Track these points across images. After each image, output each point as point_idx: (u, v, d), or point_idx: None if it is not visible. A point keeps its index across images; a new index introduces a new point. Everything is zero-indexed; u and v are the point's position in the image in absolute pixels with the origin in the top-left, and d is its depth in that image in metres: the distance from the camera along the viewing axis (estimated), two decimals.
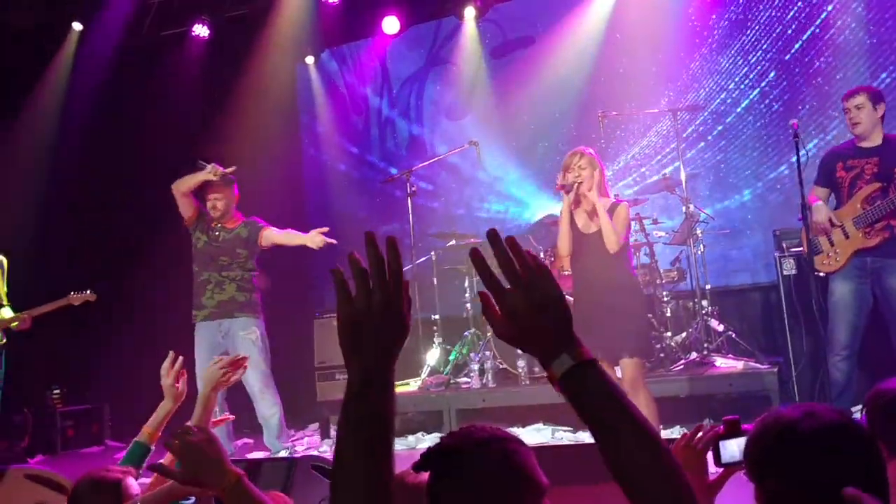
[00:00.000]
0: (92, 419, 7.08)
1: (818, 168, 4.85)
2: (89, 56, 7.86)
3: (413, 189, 6.67)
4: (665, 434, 4.89)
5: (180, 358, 2.74)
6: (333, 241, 5.19)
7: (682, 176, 6.14)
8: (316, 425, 6.55)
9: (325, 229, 5.25)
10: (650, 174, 6.99)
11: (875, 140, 4.58)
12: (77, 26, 7.93)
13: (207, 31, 8.10)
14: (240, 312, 5.35)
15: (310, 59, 8.69)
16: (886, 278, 4.50)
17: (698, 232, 6.16)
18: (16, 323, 5.57)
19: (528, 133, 7.79)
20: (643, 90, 7.24)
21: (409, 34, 8.19)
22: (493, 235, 1.20)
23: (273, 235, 5.45)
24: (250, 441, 6.30)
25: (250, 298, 5.42)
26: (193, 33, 8.08)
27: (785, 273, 5.49)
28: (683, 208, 6.13)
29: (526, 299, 1.19)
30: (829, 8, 6.75)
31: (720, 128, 7.16)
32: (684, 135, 6.61)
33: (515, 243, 1.21)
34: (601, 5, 7.51)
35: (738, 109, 7.12)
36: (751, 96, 7.08)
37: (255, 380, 5.19)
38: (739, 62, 7.10)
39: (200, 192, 5.48)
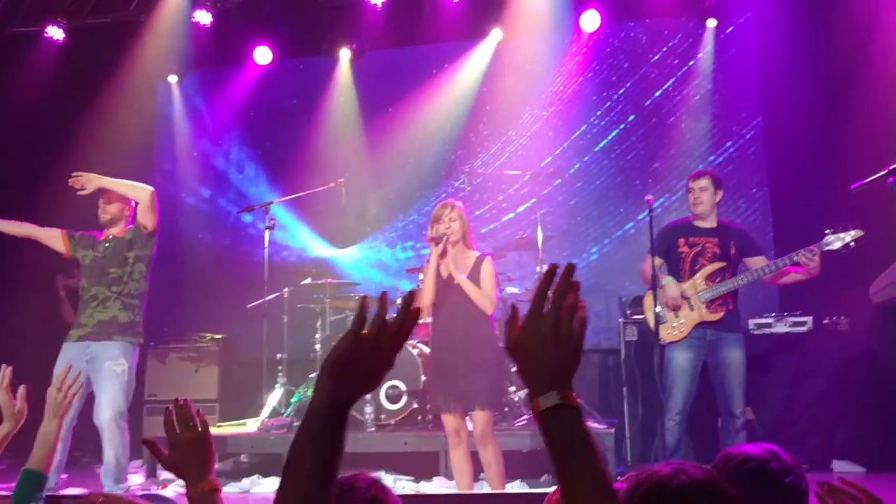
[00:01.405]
0: None
1: (657, 239, 5.20)
2: None
3: (272, 222, 6.51)
4: (508, 487, 4.96)
5: (8, 369, 2.49)
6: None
7: (539, 236, 6.37)
8: (140, 462, 6.11)
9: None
10: (508, 231, 7.21)
11: (711, 222, 5.04)
12: None
13: (63, 35, 7.65)
14: (119, 335, 4.88)
15: (173, 78, 8.36)
16: (721, 350, 4.89)
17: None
18: None
19: (395, 180, 7.85)
20: (509, 153, 7.53)
21: (280, 67, 8.07)
22: (573, 268, 1.27)
23: (138, 209, 5.00)
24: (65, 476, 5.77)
25: (134, 319, 4.97)
26: (46, 34, 7.61)
27: (627, 339, 5.79)
28: (537, 267, 6.34)
29: (556, 327, 1.25)
30: (691, 63, 7.36)
31: (577, 165, 7.56)
32: (544, 192, 6.90)
33: (572, 274, 1.28)
34: (476, 63, 7.79)
35: (596, 149, 7.56)
36: (610, 136, 7.54)
37: (108, 417, 4.76)
38: (601, 107, 7.58)
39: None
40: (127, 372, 4.89)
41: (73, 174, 4.97)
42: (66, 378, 2.45)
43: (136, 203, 5.03)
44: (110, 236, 5.08)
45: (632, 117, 7.50)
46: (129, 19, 7.76)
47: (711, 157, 7.25)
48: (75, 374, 2.54)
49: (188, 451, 1.76)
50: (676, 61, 7.43)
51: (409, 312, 1.31)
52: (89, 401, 4.85)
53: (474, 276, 4.50)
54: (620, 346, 6.05)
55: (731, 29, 7.29)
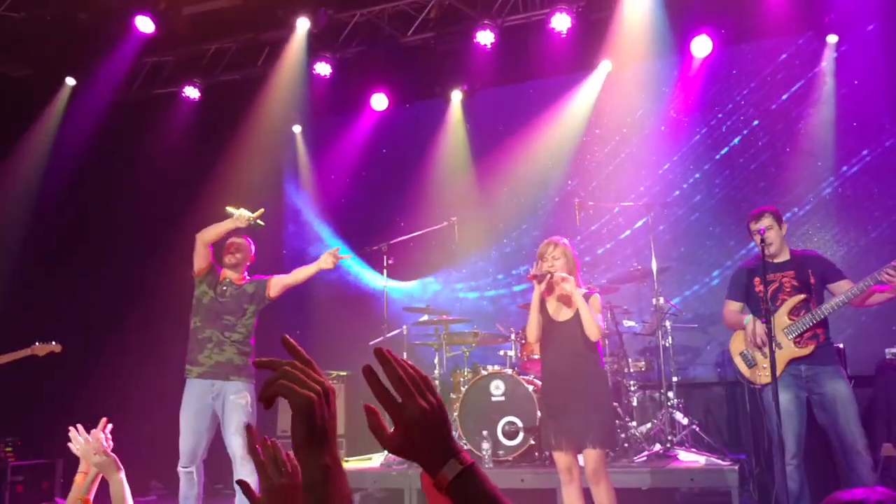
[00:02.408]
0: (43, 475, 6.89)
1: (730, 283, 5.07)
2: (79, 111, 7.96)
3: (390, 262, 6.73)
4: None
5: (104, 420, 2.66)
6: (347, 256, 5.35)
7: (654, 268, 6.27)
8: None
9: (337, 249, 5.26)
10: (622, 264, 7.13)
11: (784, 255, 4.85)
12: (70, 81, 8.05)
13: (198, 94, 8.27)
14: (235, 376, 5.22)
15: (297, 128, 8.85)
16: (821, 385, 4.64)
17: (667, 324, 6.26)
18: None
19: (506, 218, 7.96)
20: (619, 183, 7.48)
21: (396, 112, 8.39)
22: (379, 354, 1.26)
23: (281, 279, 5.37)
24: None
25: (246, 363, 5.30)
26: (184, 94, 8.25)
27: (744, 374, 5.58)
28: (653, 300, 6.24)
29: (415, 409, 1.25)
30: (809, 81, 7.13)
31: (693, 188, 7.47)
32: (660, 227, 6.80)
33: (392, 357, 1.27)
34: (584, 98, 7.81)
35: (707, 167, 7.44)
36: (722, 153, 7.42)
37: (239, 446, 5.08)
38: (717, 129, 7.47)
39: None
40: (249, 404, 5.22)
41: None
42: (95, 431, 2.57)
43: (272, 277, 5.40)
44: (228, 280, 5.38)
45: (748, 133, 7.33)
46: (256, 75, 8.31)
47: (844, 168, 6.94)
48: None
49: (281, 498, 1.64)
50: (795, 81, 7.19)
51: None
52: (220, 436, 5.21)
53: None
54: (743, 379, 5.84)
55: (845, 48, 6.99)
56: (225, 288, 5.35)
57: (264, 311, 5.42)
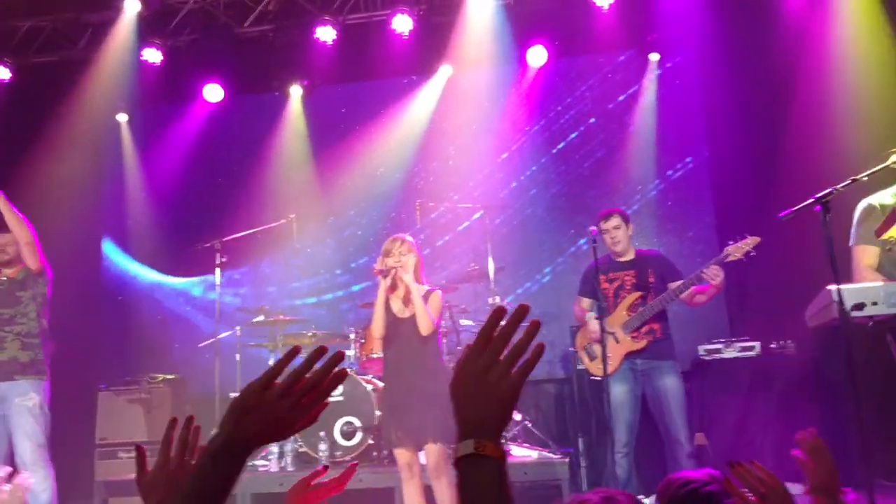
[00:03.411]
0: None
1: (581, 281, 5.39)
2: None
3: (223, 260, 6.46)
4: None
5: None
6: None
7: (490, 268, 6.42)
8: None
9: None
10: (459, 257, 7.25)
11: (629, 255, 5.20)
12: None
13: (9, 74, 7.58)
14: (21, 375, 4.85)
15: (122, 117, 8.31)
16: (655, 379, 4.98)
17: (502, 323, 6.41)
18: None
19: (347, 214, 7.88)
20: (458, 180, 7.62)
21: (231, 104, 8.07)
22: (524, 310, 1.25)
23: (21, 248, 4.98)
24: None
25: (35, 357, 4.92)
26: None
27: (579, 368, 5.83)
28: (490, 300, 6.38)
29: (488, 374, 1.20)
30: (632, 94, 7.56)
31: (528, 192, 7.75)
32: (497, 220, 6.99)
33: (523, 319, 1.25)
34: (425, 99, 7.89)
35: (537, 173, 7.77)
36: (549, 160, 7.76)
37: (27, 451, 4.73)
38: (549, 135, 7.79)
39: None
40: (38, 406, 4.87)
41: None
42: None
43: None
44: (4, 277, 5.06)
45: (579, 134, 7.71)
46: (76, 58, 7.72)
47: (657, 181, 7.44)
48: None
49: (171, 477, 1.59)
50: (620, 93, 7.64)
51: (328, 373, 1.29)
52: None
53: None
54: (573, 375, 6.11)
55: (669, 64, 7.53)
56: (0, 287, 5.00)
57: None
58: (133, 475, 1.66)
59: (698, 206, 7.34)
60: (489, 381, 1.21)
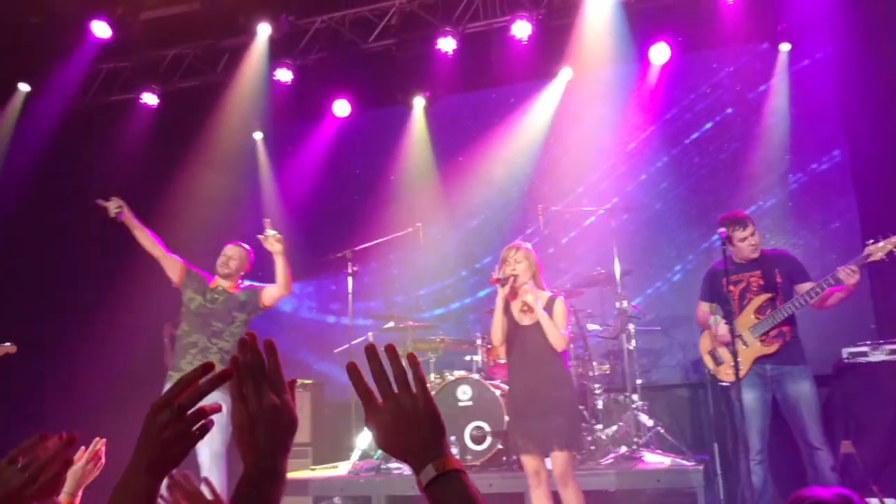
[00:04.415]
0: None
1: (703, 284, 5.19)
2: (34, 117, 7.77)
3: (354, 269, 6.68)
4: None
5: (101, 441, 2.45)
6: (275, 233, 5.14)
7: (616, 270, 6.34)
8: None
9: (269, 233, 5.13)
10: (583, 259, 7.17)
11: (754, 255, 4.95)
12: (24, 87, 7.86)
13: (156, 100, 8.15)
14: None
15: (258, 135, 8.77)
16: (785, 385, 4.76)
17: (630, 327, 6.32)
18: None
19: (470, 222, 7.98)
20: (583, 179, 7.56)
21: (358, 118, 8.36)
22: (368, 349, 1.29)
23: (272, 290, 5.27)
24: None
25: None
26: (141, 101, 8.12)
27: (713, 372, 5.66)
28: (617, 304, 6.30)
29: (396, 413, 1.26)
30: (762, 88, 7.29)
31: (657, 187, 7.58)
32: (624, 217, 6.92)
33: (394, 353, 1.30)
34: (546, 103, 7.87)
35: (664, 170, 7.58)
36: (676, 157, 7.59)
37: (205, 457, 5.02)
38: (674, 133, 7.61)
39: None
40: (224, 415, 5.12)
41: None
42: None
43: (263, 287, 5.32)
44: (220, 287, 5.31)
45: (707, 131, 7.45)
46: (216, 81, 8.21)
47: (797, 174, 7.12)
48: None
49: None
50: (749, 86, 7.37)
51: (271, 362, 1.32)
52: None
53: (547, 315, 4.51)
54: (707, 380, 5.93)
55: (801, 54, 7.17)
56: (217, 296, 5.28)
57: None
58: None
59: (839, 203, 6.96)
60: (404, 409, 1.26)
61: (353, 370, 1.28)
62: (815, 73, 7.13)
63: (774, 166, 7.17)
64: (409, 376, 1.28)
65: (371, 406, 1.28)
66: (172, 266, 5.32)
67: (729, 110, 7.42)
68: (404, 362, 1.29)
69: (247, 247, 5.43)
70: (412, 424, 1.25)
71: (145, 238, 5.32)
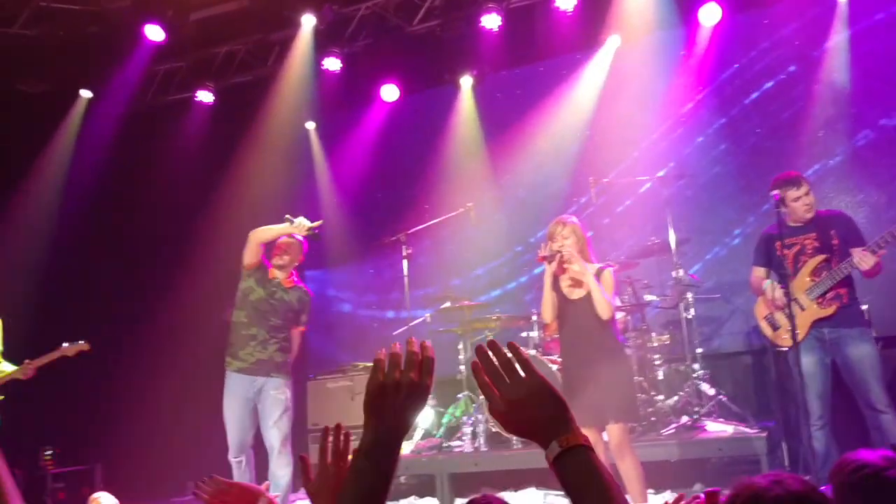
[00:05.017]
0: (83, 481, 7.03)
1: (755, 250, 5.07)
2: (96, 122, 8.09)
3: (408, 251, 6.76)
4: (656, 499, 4.90)
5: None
6: (316, 224, 5.42)
7: (672, 240, 6.24)
8: None
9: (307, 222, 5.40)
10: (642, 238, 7.06)
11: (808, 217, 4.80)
12: (85, 94, 8.18)
13: (212, 97, 8.37)
14: (276, 373, 5.40)
15: (310, 125, 8.92)
16: (844, 348, 4.62)
17: (689, 296, 6.23)
18: (19, 375, 5.45)
19: (519, 198, 7.95)
20: (633, 155, 7.44)
21: (406, 101, 8.41)
22: (478, 350, 1.41)
23: (295, 338, 5.67)
24: None
25: (286, 359, 5.51)
26: (198, 99, 8.35)
27: (770, 338, 5.54)
28: (673, 273, 6.21)
29: (512, 401, 1.34)
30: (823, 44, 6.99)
31: (710, 153, 7.40)
32: (680, 182, 6.80)
33: (495, 346, 1.40)
34: (595, 74, 7.76)
35: (718, 135, 7.41)
36: (731, 121, 7.35)
37: (276, 439, 5.27)
38: (728, 96, 7.40)
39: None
40: (288, 399, 5.42)
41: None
42: None
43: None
44: (276, 280, 5.51)
45: (768, 90, 7.24)
46: (267, 74, 8.37)
47: (865, 131, 6.83)
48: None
49: (332, 484, 1.74)
50: (811, 44, 7.04)
51: (416, 348, 1.44)
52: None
53: None
54: (769, 346, 5.79)
55: (880, 15, 6.82)
56: (274, 289, 5.49)
57: None
58: None
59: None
60: (520, 396, 1.34)
61: (476, 368, 1.40)
62: (877, 22, 6.81)
63: (840, 124, 6.89)
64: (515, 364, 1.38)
65: (492, 397, 1.37)
66: (255, 252, 5.47)
67: (792, 68, 7.14)
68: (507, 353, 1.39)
69: (300, 237, 5.56)
70: (530, 406, 1.33)
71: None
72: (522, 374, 1.36)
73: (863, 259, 4.44)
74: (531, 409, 1.33)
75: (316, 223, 5.43)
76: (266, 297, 5.44)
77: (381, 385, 1.41)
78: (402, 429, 1.41)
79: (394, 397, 1.40)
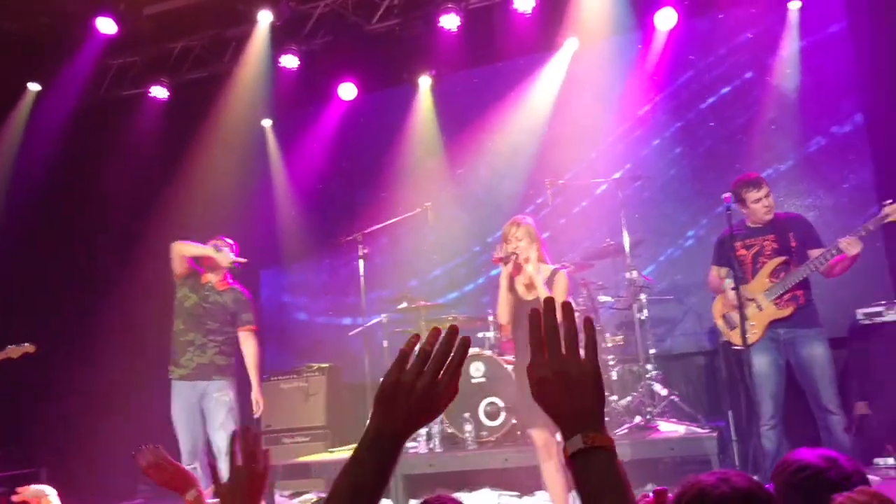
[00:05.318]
0: (28, 484, 6.81)
1: (715, 249, 5.17)
2: (45, 115, 7.88)
3: (365, 251, 6.71)
4: None
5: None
6: (240, 261, 5.48)
7: (626, 240, 6.29)
8: None
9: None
10: (595, 239, 7.10)
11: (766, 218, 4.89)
12: (34, 86, 7.96)
13: (166, 93, 8.22)
14: (217, 375, 5.41)
15: (267, 122, 8.82)
16: (799, 349, 4.73)
17: (642, 297, 6.29)
18: None
19: (477, 198, 7.95)
20: (590, 157, 7.48)
21: (364, 100, 8.36)
22: (564, 306, 1.28)
23: (242, 340, 5.60)
24: None
25: (228, 362, 5.51)
26: (151, 94, 8.19)
27: (724, 339, 5.62)
28: (627, 274, 6.26)
29: (560, 374, 1.24)
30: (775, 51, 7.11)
31: (663, 157, 7.47)
32: (637, 184, 6.85)
33: (570, 311, 1.28)
34: (552, 76, 7.80)
35: (672, 142, 7.49)
36: (684, 126, 7.47)
37: (223, 440, 5.25)
38: (683, 102, 7.50)
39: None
40: (232, 400, 5.44)
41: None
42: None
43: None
44: (210, 284, 5.50)
45: (725, 95, 7.34)
46: (223, 71, 8.24)
47: (816, 137, 6.96)
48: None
49: (246, 486, 1.67)
50: (758, 51, 7.17)
51: (451, 346, 1.32)
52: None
53: (548, 289, 4.51)
54: (720, 347, 5.88)
55: (812, 13, 6.98)
56: (207, 293, 5.49)
57: None
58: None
59: (857, 165, 6.80)
60: (569, 373, 1.23)
61: (536, 318, 1.27)
62: (825, 29, 6.96)
63: (792, 130, 7.01)
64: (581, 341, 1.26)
65: (538, 356, 1.27)
66: (181, 262, 5.47)
67: (748, 74, 7.24)
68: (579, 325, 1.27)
69: (230, 241, 5.56)
70: (573, 389, 1.23)
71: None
72: (582, 353, 1.26)
73: (850, 245, 4.50)
74: (572, 391, 1.23)
75: (241, 259, 5.47)
76: (200, 301, 5.47)
77: (395, 384, 1.31)
78: (406, 433, 1.32)
79: (405, 400, 1.30)
